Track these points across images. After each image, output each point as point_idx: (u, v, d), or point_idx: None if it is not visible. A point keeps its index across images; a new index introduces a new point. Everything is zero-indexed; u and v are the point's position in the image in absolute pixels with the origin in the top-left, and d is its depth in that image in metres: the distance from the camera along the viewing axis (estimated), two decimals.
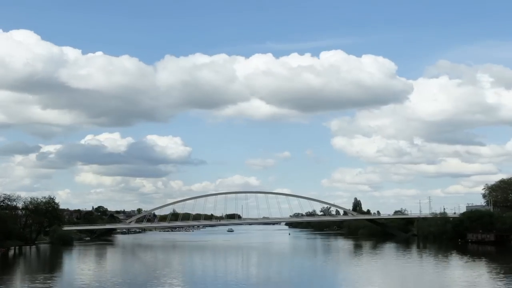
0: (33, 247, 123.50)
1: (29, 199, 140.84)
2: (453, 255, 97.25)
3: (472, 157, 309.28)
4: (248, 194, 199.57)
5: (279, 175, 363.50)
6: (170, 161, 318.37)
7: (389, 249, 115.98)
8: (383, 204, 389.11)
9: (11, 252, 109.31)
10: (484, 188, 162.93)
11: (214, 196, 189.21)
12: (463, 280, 58.49)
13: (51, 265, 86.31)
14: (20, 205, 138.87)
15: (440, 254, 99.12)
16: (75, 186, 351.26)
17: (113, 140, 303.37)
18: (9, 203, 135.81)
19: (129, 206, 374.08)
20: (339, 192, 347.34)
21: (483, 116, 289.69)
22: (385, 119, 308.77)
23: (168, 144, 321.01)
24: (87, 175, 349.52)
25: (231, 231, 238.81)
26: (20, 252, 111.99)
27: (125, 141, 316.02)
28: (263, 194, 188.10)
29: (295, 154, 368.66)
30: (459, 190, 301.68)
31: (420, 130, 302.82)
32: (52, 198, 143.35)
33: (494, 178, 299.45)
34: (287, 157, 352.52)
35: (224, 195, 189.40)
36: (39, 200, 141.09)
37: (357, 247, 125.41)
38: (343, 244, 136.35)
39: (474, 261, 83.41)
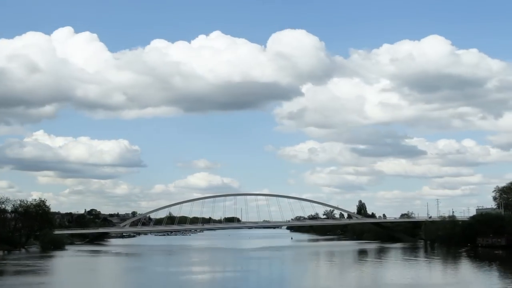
0: (23, 252, 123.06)
1: (19, 202, 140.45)
2: (463, 260, 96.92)
3: (417, 158, 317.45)
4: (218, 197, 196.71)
5: (245, 176, 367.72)
6: (118, 163, 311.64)
7: (395, 254, 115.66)
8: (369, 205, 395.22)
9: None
10: (494, 190, 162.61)
11: (213, 199, 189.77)
12: None
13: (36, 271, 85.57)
14: (9, 208, 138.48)
15: (449, 260, 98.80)
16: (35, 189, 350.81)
17: (44, 141, 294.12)
18: None
19: (103, 208, 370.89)
20: (316, 193, 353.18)
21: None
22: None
23: (115, 145, 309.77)
24: (43, 178, 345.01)
25: None
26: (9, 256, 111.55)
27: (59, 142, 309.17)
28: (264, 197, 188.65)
29: (237, 156, 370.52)
30: (436, 192, 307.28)
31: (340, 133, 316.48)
32: (43, 201, 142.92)
33: (472, 180, 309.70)
34: (234, 158, 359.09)
35: (223, 197, 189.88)
36: (29, 203, 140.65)
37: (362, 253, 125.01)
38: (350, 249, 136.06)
39: (484, 267, 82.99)
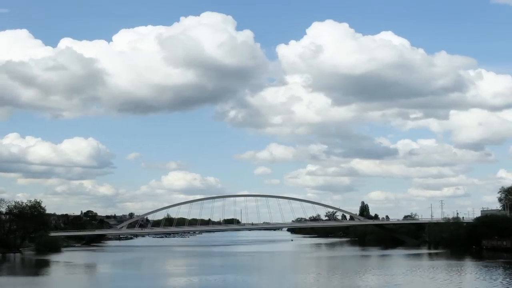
0: (18, 254, 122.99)
1: (13, 203, 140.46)
2: (466, 263, 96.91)
3: (388, 157, 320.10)
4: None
5: (222, 178, 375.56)
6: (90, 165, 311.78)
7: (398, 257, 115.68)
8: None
9: None
10: (500, 191, 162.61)
11: (212, 200, 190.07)
12: None
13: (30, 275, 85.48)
14: (3, 209, 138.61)
15: (453, 263, 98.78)
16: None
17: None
18: None
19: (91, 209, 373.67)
20: (303, 194, 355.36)
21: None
22: None
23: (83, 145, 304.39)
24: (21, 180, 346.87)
25: None
26: (4, 259, 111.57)
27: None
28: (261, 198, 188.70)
29: (201, 158, 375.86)
30: (425, 194, 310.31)
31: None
32: (38, 202, 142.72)
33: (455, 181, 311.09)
34: (201, 160, 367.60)
35: (222, 199, 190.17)
36: (24, 204, 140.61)
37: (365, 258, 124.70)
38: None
39: (488, 270, 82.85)
